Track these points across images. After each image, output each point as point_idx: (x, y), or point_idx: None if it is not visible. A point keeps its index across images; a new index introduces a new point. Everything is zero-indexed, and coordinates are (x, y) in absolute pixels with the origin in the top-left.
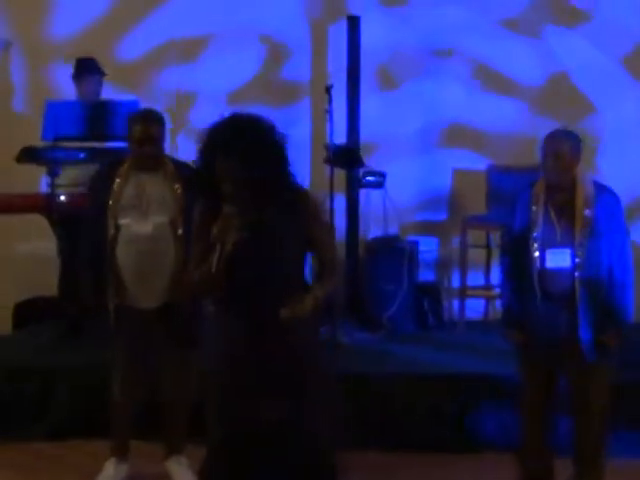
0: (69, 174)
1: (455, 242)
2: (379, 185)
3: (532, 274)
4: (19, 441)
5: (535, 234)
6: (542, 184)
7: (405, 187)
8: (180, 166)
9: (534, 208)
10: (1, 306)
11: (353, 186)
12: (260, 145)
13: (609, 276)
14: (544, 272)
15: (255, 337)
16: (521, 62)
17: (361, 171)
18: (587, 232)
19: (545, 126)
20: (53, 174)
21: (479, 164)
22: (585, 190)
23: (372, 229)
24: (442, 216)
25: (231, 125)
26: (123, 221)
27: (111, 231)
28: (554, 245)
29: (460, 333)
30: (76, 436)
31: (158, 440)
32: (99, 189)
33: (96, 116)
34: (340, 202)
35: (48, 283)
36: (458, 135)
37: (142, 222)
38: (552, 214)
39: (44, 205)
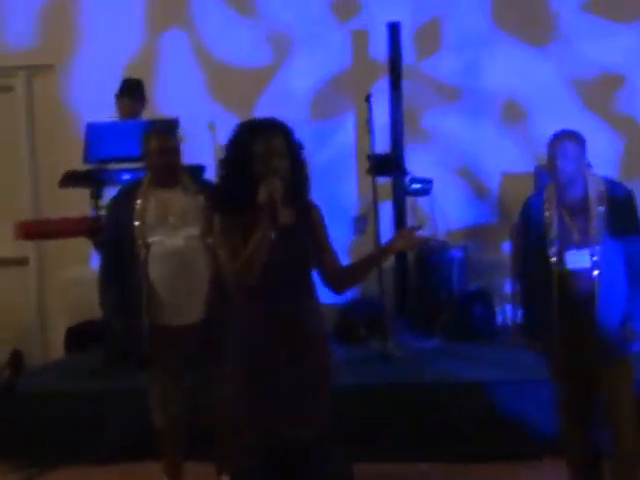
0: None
1: (506, 247)
2: (425, 192)
3: (551, 278)
4: (71, 465)
5: (551, 237)
6: (552, 187)
7: (453, 193)
8: (197, 178)
9: (547, 213)
10: (54, 330)
11: (399, 194)
12: (296, 140)
13: (628, 271)
14: (563, 274)
15: (279, 335)
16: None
17: (407, 178)
18: (603, 230)
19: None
20: (97, 197)
21: (527, 166)
22: (597, 187)
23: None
24: (492, 221)
25: (271, 118)
26: (153, 239)
27: (142, 251)
28: (572, 246)
29: (512, 339)
30: (128, 460)
31: (211, 460)
32: (120, 211)
33: (138, 136)
34: (387, 210)
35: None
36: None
37: (173, 237)
38: (566, 215)
39: (89, 228)
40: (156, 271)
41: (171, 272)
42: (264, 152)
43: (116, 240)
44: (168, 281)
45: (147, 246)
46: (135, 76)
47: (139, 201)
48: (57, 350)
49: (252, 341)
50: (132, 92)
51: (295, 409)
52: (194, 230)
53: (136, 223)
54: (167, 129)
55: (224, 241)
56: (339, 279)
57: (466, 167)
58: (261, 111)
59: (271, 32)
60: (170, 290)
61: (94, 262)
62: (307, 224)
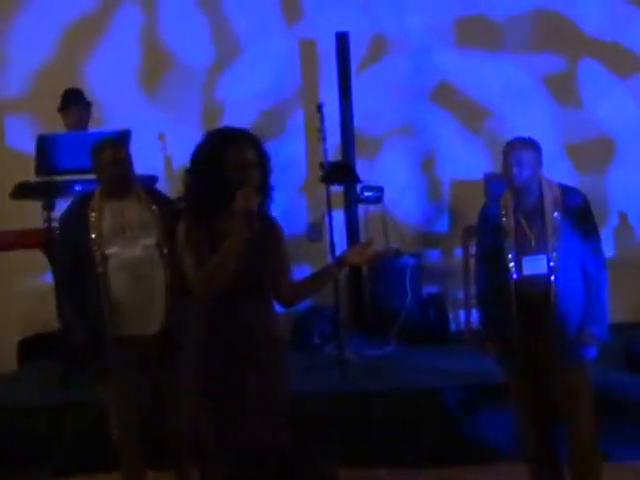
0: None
1: (458, 253)
2: (377, 200)
3: (508, 284)
4: (28, 479)
5: (508, 243)
6: (509, 193)
7: (404, 200)
8: (149, 188)
9: (504, 219)
10: (5, 343)
11: (351, 202)
12: (265, 151)
13: (584, 276)
14: (521, 280)
15: (243, 341)
16: None
17: (359, 187)
18: (559, 235)
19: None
20: (49, 208)
21: (477, 173)
22: (552, 193)
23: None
24: (443, 227)
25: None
26: (110, 251)
27: (99, 263)
28: (529, 252)
29: (466, 344)
30: (85, 472)
31: (169, 469)
32: (74, 224)
33: (90, 147)
34: (339, 219)
35: (51, 318)
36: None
37: (130, 248)
38: (523, 221)
39: (41, 240)
40: (115, 283)
41: (130, 283)
42: (239, 162)
43: (72, 253)
44: (127, 292)
45: (105, 258)
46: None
47: (94, 213)
48: (10, 363)
49: (216, 348)
50: (77, 99)
51: (264, 415)
52: (151, 240)
53: (92, 235)
54: (118, 140)
55: (191, 249)
56: (291, 294)
57: (418, 174)
58: (207, 114)
59: (221, 32)
60: (130, 301)
61: (44, 274)
62: (270, 236)
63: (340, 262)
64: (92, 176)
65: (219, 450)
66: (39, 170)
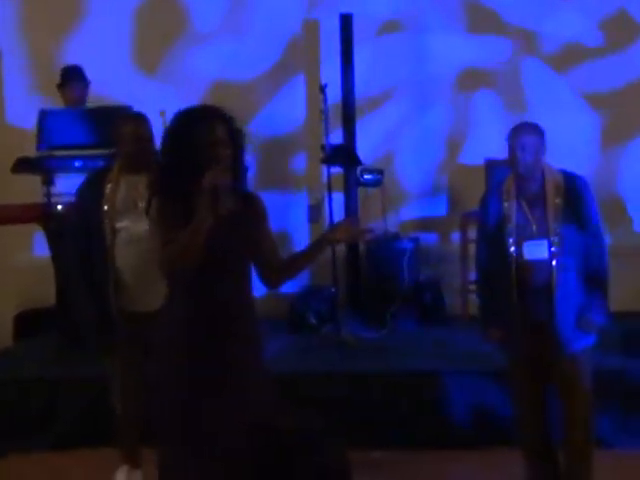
0: (66, 183)
1: (455, 238)
2: (377, 183)
3: (509, 268)
4: (25, 452)
5: (509, 228)
6: (511, 179)
7: (404, 184)
8: None
9: (506, 204)
10: (1, 318)
11: (351, 185)
12: (237, 129)
13: (586, 262)
14: (522, 265)
15: (217, 321)
16: None
17: (359, 169)
18: (560, 220)
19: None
20: (49, 183)
21: (477, 159)
22: (554, 179)
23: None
24: (442, 212)
25: (212, 106)
26: (120, 224)
27: (109, 236)
28: (530, 237)
29: (462, 328)
30: (82, 446)
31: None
32: (89, 196)
33: (91, 123)
34: (339, 201)
35: (48, 293)
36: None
37: (140, 222)
38: (525, 206)
39: (41, 215)
40: (122, 256)
41: (138, 257)
42: (209, 140)
43: (85, 224)
44: (135, 266)
45: (114, 231)
46: None
47: (109, 185)
48: (5, 338)
49: (196, 323)
50: (77, 76)
51: (248, 390)
52: None
53: (105, 207)
54: (139, 115)
55: (161, 227)
56: (276, 273)
57: (417, 158)
58: (208, 92)
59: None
60: (137, 275)
61: (37, 249)
62: (250, 213)
63: (325, 240)
64: (93, 152)
65: (207, 429)
66: (40, 145)
